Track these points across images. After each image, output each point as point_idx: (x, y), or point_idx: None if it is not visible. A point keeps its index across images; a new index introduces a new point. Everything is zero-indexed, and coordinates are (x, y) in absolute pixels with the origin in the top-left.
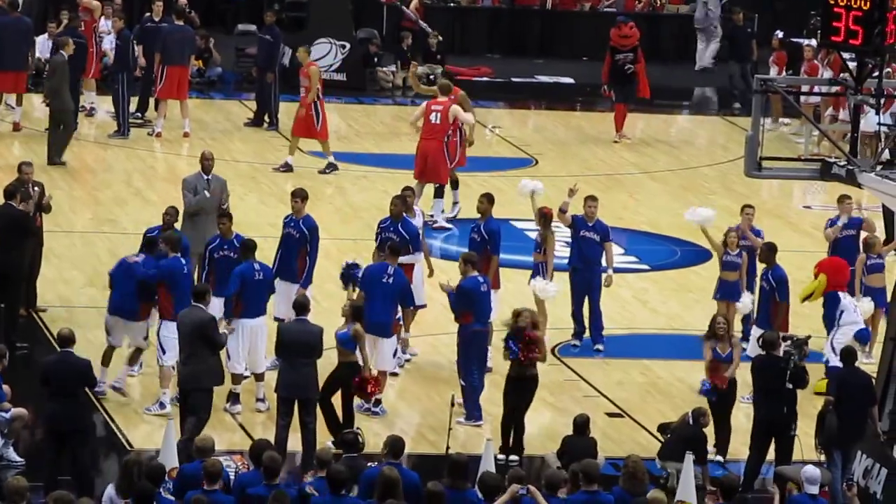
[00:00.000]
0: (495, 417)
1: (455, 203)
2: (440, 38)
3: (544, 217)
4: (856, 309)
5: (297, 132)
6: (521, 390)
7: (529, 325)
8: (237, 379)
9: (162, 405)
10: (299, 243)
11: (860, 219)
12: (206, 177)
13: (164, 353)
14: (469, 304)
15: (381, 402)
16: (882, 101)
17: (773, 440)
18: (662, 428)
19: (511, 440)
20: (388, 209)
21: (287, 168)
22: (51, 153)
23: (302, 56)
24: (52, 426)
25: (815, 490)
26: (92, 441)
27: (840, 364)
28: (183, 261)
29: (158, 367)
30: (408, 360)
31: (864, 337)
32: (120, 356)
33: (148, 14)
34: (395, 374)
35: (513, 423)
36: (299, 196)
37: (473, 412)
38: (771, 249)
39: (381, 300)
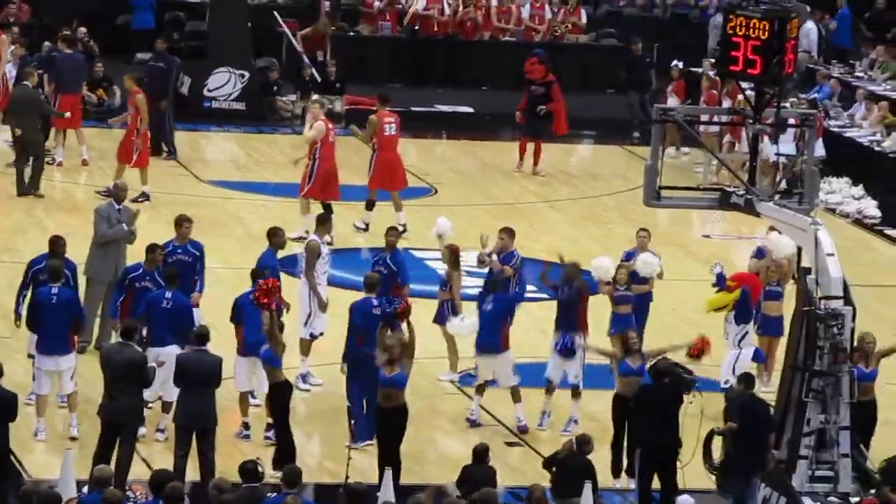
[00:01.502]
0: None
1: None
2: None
3: (452, 255)
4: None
5: (121, 159)
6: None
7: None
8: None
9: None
10: (192, 267)
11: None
12: (117, 206)
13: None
14: (362, 326)
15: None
16: (790, 130)
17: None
18: (548, 463)
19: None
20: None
21: (108, 193)
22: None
23: (128, 84)
24: None
25: None
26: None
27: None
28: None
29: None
30: (307, 390)
31: (760, 357)
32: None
33: (48, 43)
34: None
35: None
36: (188, 220)
37: (360, 433)
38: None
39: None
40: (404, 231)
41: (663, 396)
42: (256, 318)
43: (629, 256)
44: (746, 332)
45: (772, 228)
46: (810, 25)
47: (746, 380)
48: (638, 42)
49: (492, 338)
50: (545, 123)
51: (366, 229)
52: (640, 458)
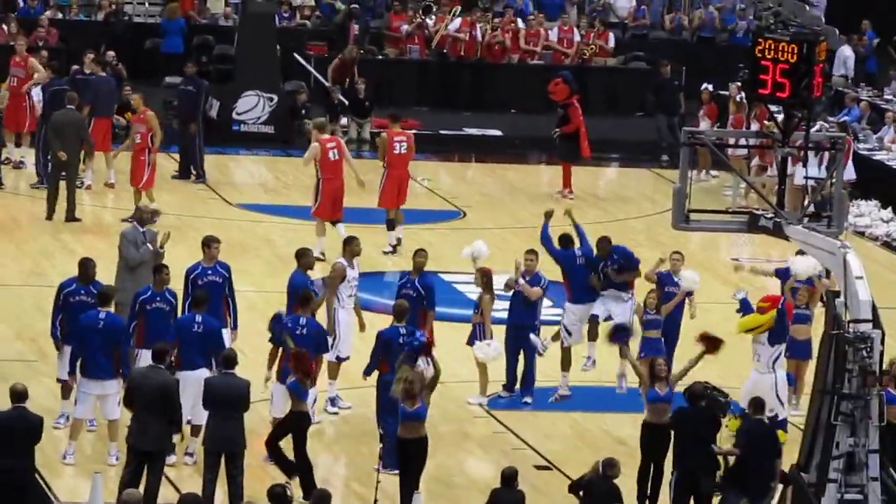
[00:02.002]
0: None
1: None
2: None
3: (484, 277)
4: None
5: (135, 182)
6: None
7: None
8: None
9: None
10: (223, 289)
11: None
12: (141, 229)
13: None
14: (386, 354)
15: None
16: (818, 153)
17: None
18: (574, 487)
19: None
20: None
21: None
22: None
23: (136, 103)
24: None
25: None
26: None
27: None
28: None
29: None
30: (335, 413)
31: (791, 380)
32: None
33: (76, 66)
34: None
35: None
36: (217, 241)
37: (387, 461)
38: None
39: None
40: (398, 245)
41: (699, 419)
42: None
43: (660, 280)
44: (780, 354)
45: (799, 252)
46: (847, 51)
47: (756, 405)
48: (667, 64)
49: None
50: (567, 146)
51: (394, 251)
52: (674, 482)
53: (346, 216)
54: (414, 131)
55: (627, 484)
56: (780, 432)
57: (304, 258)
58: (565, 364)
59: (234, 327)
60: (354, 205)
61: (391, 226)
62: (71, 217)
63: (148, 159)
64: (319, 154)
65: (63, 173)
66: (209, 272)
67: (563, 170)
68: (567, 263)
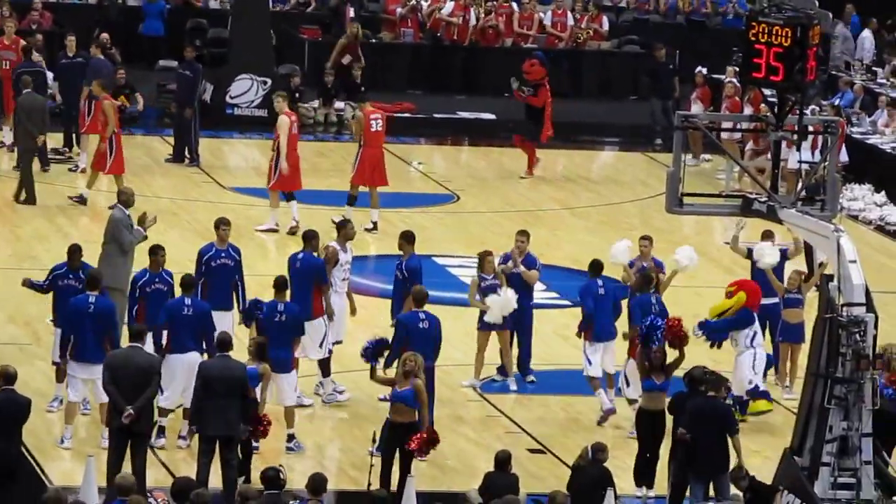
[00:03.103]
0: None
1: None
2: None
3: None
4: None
5: (95, 167)
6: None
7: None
8: (163, 412)
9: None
10: (234, 272)
11: (785, 248)
12: (126, 213)
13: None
14: (404, 338)
15: (295, 437)
16: (809, 137)
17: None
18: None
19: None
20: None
21: (81, 200)
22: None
23: (96, 90)
24: None
25: None
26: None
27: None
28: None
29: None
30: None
31: (772, 361)
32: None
33: (62, 52)
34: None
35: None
36: (227, 223)
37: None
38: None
39: (276, 337)
40: (374, 229)
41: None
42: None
43: (631, 265)
44: (755, 333)
45: (766, 236)
46: (867, 34)
47: (692, 376)
48: (662, 48)
49: None
50: (533, 126)
51: (374, 227)
52: (674, 466)
53: (332, 199)
54: (408, 115)
55: (617, 467)
56: (763, 402)
57: (315, 239)
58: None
59: (242, 309)
60: (339, 188)
61: (351, 201)
62: (30, 200)
63: (110, 145)
64: (287, 126)
65: (35, 156)
66: (222, 255)
67: (529, 151)
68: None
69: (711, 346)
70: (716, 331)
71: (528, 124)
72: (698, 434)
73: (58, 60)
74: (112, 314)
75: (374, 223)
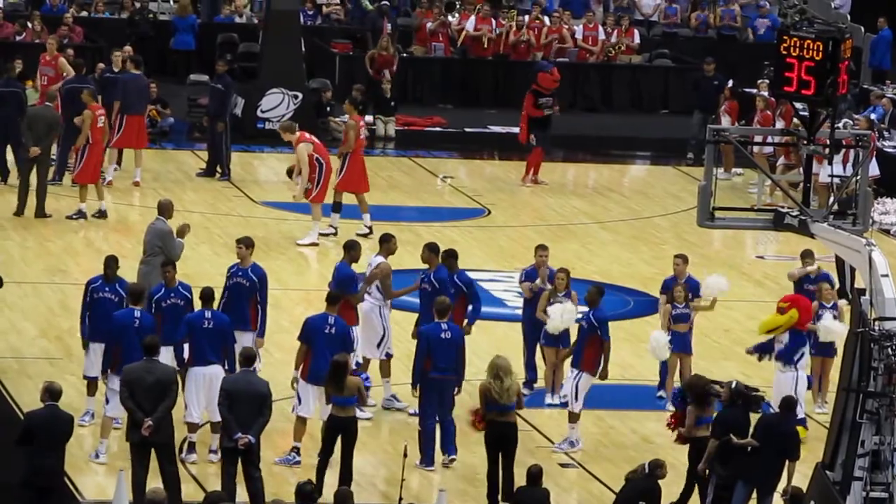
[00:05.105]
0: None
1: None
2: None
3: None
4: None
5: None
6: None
7: None
8: (193, 428)
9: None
10: (250, 292)
11: (827, 274)
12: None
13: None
14: (427, 350)
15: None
16: (842, 151)
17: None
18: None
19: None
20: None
21: (101, 215)
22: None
23: (86, 98)
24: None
25: None
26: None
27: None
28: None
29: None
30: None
31: (810, 383)
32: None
33: (102, 65)
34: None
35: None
36: (244, 243)
37: (424, 458)
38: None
39: (323, 351)
40: (370, 233)
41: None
42: (324, 346)
43: (666, 287)
44: (803, 354)
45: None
46: None
47: (785, 402)
48: (712, 62)
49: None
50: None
51: (335, 234)
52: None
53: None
54: (438, 129)
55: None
56: (799, 428)
57: (352, 251)
58: None
59: (261, 335)
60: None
61: (337, 208)
62: (41, 213)
63: (81, 154)
64: (311, 148)
65: (33, 168)
66: (239, 274)
67: (536, 156)
68: None
69: (760, 359)
70: (767, 352)
71: (541, 135)
72: (762, 447)
73: (101, 74)
74: (154, 329)
75: (370, 227)
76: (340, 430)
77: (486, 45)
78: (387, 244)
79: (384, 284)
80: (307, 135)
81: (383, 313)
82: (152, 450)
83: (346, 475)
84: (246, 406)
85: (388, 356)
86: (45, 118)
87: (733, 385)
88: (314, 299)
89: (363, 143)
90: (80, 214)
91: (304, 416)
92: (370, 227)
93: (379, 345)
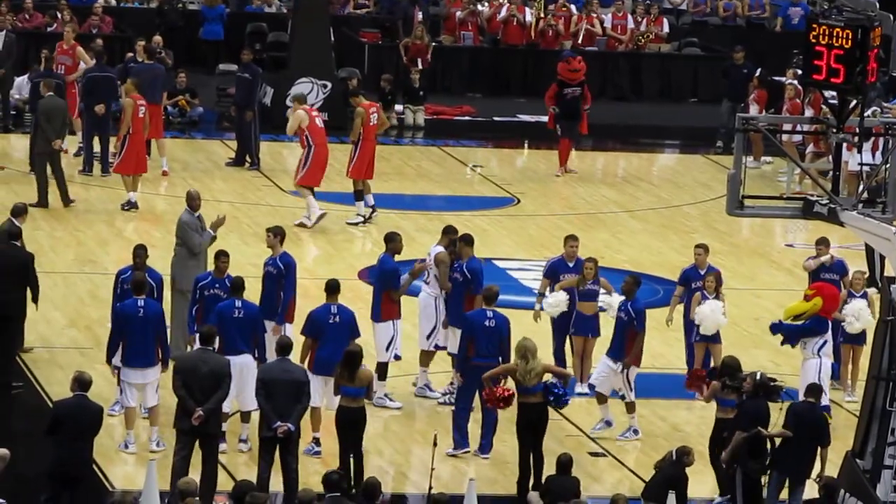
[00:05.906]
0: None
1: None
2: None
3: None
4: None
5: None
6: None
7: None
8: (223, 417)
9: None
10: (277, 280)
11: (842, 262)
12: (196, 215)
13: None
14: (470, 336)
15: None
16: (871, 139)
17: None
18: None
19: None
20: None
21: (132, 205)
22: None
23: (128, 88)
24: (60, 471)
25: None
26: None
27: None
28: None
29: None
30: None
31: (836, 372)
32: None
33: (131, 55)
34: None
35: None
36: (272, 232)
37: (461, 441)
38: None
39: (331, 340)
40: (374, 212)
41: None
42: (331, 336)
43: (686, 277)
44: (826, 342)
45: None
46: None
47: (812, 389)
48: (741, 51)
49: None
50: (577, 124)
51: (366, 220)
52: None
53: (390, 202)
54: (468, 118)
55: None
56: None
57: (393, 242)
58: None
59: (280, 322)
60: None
61: (360, 196)
62: (66, 201)
63: (122, 144)
64: (307, 121)
65: (49, 159)
66: (269, 263)
67: (565, 147)
68: None
69: (782, 343)
70: (789, 334)
71: (566, 125)
72: (796, 438)
73: (125, 64)
74: (161, 319)
75: (373, 207)
76: (351, 422)
77: (521, 27)
78: (448, 235)
79: (441, 272)
80: (314, 112)
81: (439, 305)
82: (197, 440)
83: (358, 466)
84: (283, 394)
85: (437, 348)
86: (60, 109)
87: (758, 376)
88: (344, 289)
89: (373, 128)
90: (131, 205)
91: (313, 405)
92: (364, 217)
93: (429, 336)
